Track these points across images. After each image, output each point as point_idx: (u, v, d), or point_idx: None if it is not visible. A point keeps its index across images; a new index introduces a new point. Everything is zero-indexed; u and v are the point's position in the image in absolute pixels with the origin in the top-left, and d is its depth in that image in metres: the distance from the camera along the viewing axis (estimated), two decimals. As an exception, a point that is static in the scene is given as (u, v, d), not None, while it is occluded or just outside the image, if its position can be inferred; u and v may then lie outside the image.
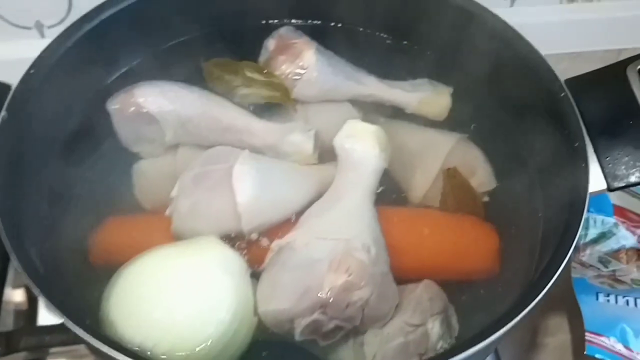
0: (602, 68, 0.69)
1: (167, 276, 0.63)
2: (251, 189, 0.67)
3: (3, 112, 0.64)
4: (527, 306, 0.55)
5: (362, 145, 0.72)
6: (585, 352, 0.75)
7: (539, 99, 0.70)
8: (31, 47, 0.98)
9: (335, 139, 0.73)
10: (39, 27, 1.00)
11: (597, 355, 0.74)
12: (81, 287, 0.67)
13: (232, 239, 0.68)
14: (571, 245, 0.57)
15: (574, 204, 0.60)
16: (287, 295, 0.62)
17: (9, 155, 0.63)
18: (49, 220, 0.70)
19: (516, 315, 0.55)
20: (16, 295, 0.85)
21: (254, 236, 0.68)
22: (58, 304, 0.58)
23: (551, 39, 1.08)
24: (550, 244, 0.62)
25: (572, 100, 0.66)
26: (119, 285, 0.64)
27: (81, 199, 0.73)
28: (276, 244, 0.66)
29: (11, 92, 0.66)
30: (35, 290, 0.58)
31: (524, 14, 1.09)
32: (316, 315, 0.61)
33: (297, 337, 0.62)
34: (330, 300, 0.60)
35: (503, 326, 0.54)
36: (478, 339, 0.54)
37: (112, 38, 0.76)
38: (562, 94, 0.66)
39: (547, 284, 0.55)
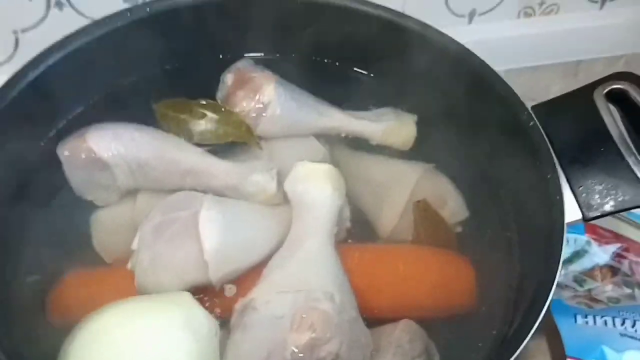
0: (569, 93, 0.68)
1: (127, 336, 0.59)
2: (218, 235, 0.64)
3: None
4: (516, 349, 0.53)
5: (314, 187, 0.69)
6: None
7: (508, 127, 0.69)
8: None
9: (285, 183, 0.70)
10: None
11: (580, 380, 0.73)
12: (38, 347, 0.63)
13: (199, 291, 0.64)
14: (552, 283, 0.55)
15: (551, 236, 0.59)
16: None
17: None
18: (2, 274, 0.66)
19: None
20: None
21: (221, 286, 0.65)
22: None
23: (510, 54, 1.09)
24: (530, 275, 0.60)
25: (541, 129, 0.64)
26: (74, 345, 0.59)
27: (37, 253, 0.69)
28: (240, 302, 0.62)
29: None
30: None
31: (482, 31, 1.09)
32: None
33: None
34: None
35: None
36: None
37: (60, 82, 0.71)
38: (531, 123, 0.65)
39: (532, 326, 0.54)
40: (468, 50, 0.74)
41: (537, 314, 0.54)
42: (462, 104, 0.75)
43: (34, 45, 0.91)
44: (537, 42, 1.13)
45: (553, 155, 0.63)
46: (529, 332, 0.54)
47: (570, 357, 0.75)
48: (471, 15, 1.10)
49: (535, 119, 0.65)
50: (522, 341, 0.54)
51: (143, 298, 0.64)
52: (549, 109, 0.67)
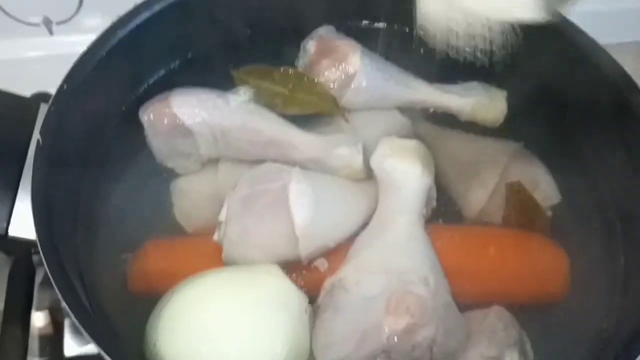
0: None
1: (220, 306, 0.58)
2: (309, 210, 0.62)
3: (38, 137, 0.58)
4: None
5: (402, 165, 0.66)
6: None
7: (612, 108, 0.65)
8: (39, 46, 0.94)
9: (372, 160, 0.67)
10: (48, 24, 0.93)
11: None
12: (119, 316, 0.62)
13: (288, 266, 0.63)
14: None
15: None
16: (344, 343, 0.57)
17: (45, 183, 0.58)
18: (86, 245, 0.64)
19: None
20: (39, 320, 0.80)
21: (311, 262, 0.63)
22: (98, 337, 0.53)
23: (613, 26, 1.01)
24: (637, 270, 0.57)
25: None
26: (167, 311, 0.58)
27: (118, 221, 0.67)
28: (329, 281, 0.61)
29: (45, 112, 0.59)
30: (76, 322, 0.53)
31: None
32: None
33: None
34: (394, 345, 0.56)
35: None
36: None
37: (142, 45, 0.69)
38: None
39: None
40: (569, 20, 0.70)
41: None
42: (559, 81, 0.71)
43: (97, 4, 0.91)
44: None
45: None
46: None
47: None
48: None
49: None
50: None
51: (232, 269, 0.62)
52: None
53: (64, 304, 0.53)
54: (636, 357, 0.53)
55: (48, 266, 0.54)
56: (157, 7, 0.68)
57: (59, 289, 0.54)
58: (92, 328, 0.53)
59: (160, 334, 0.58)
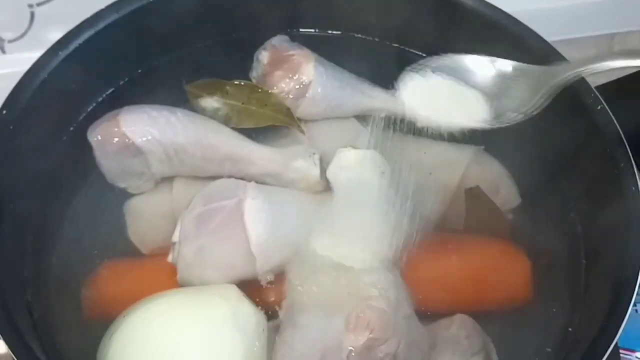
0: (629, 75, 0.64)
1: (170, 331, 0.56)
2: (265, 226, 0.61)
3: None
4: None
5: (359, 176, 0.66)
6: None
7: (568, 108, 0.64)
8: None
9: (328, 172, 0.67)
10: (0, 43, 0.91)
11: (633, 372, 0.71)
12: (75, 345, 0.61)
13: (247, 284, 0.61)
14: (634, 285, 0.52)
15: (628, 231, 0.55)
16: None
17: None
18: (36, 275, 0.62)
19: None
20: None
21: (267, 279, 0.62)
22: None
23: (545, 26, 1.04)
24: (602, 272, 0.57)
25: (610, 114, 0.60)
26: (115, 339, 0.57)
27: (70, 246, 0.65)
28: (290, 297, 0.60)
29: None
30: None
31: (520, 3, 1.04)
32: None
33: None
34: None
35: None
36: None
37: (88, 62, 0.68)
38: (599, 107, 0.61)
39: (615, 334, 0.50)
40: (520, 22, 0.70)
41: (619, 319, 0.51)
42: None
43: (50, 20, 0.89)
44: (572, 13, 1.08)
45: (625, 142, 0.59)
46: (612, 340, 0.51)
47: (623, 349, 0.72)
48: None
49: (603, 102, 0.61)
50: (605, 351, 0.50)
51: (186, 290, 0.61)
52: (615, 89, 0.62)
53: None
54: (601, 358, 0.53)
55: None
56: (100, 25, 0.66)
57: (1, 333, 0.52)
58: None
59: (110, 355, 0.56)
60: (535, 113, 0.61)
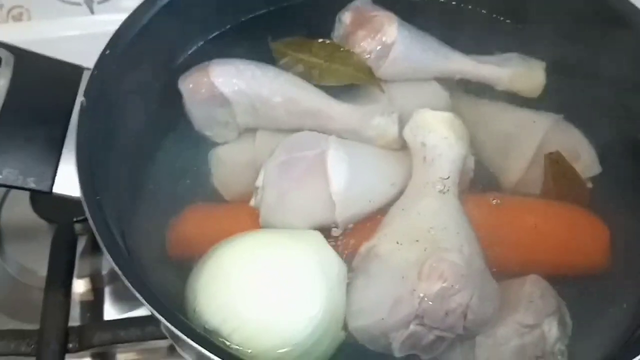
0: None
1: (259, 266, 0.58)
2: (346, 176, 0.62)
3: (82, 98, 0.59)
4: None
5: (435, 136, 0.66)
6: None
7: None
8: (81, 25, 0.96)
9: (404, 131, 0.67)
10: (89, 3, 0.95)
11: None
12: (159, 279, 0.63)
13: (325, 233, 0.63)
14: None
15: None
16: (376, 308, 0.57)
17: (89, 143, 0.59)
18: (128, 208, 0.65)
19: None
20: (80, 286, 0.82)
21: (347, 229, 0.64)
22: (149, 298, 0.53)
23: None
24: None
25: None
26: (206, 270, 0.59)
27: (158, 186, 0.68)
28: (363, 247, 0.61)
29: (88, 76, 0.61)
30: (127, 284, 0.53)
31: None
32: (413, 328, 0.56)
33: (396, 353, 0.57)
34: (427, 310, 0.55)
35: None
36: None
37: (183, 15, 0.70)
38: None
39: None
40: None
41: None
42: (600, 51, 0.70)
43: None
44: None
45: None
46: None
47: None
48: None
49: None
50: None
51: (273, 231, 0.62)
52: None
53: (109, 260, 0.54)
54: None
55: (93, 222, 0.55)
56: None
57: (104, 244, 0.54)
58: (140, 286, 0.53)
59: (199, 293, 0.58)
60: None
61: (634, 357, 0.49)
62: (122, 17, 0.67)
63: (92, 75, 0.61)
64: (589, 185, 0.68)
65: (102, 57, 0.62)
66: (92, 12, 0.98)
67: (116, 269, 0.52)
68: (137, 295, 0.51)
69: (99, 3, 0.97)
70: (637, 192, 0.67)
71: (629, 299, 0.62)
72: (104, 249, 0.53)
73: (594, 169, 0.68)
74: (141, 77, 0.67)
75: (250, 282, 0.56)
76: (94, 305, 0.81)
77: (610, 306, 0.62)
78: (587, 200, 0.67)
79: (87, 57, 0.66)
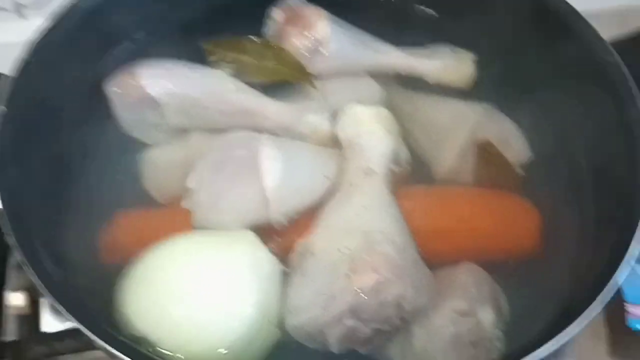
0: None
1: (190, 268, 0.57)
2: (279, 173, 0.62)
3: (2, 107, 0.57)
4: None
5: (365, 131, 0.67)
6: (626, 324, 0.72)
7: (580, 63, 0.65)
8: (10, 30, 0.93)
9: (336, 127, 0.68)
10: (17, 8, 0.92)
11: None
12: (91, 287, 0.62)
13: (260, 231, 0.62)
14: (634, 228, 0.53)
15: (636, 179, 0.56)
16: (311, 305, 0.57)
17: (10, 152, 0.57)
18: (53, 217, 0.64)
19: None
20: (16, 299, 0.79)
21: (280, 225, 0.63)
22: (72, 310, 0.53)
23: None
24: (609, 220, 0.58)
25: (622, 65, 0.61)
26: (135, 273, 0.58)
27: (87, 193, 0.67)
28: (300, 245, 0.61)
29: (8, 83, 0.59)
30: (47, 296, 0.53)
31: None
32: (349, 322, 0.56)
33: (335, 349, 0.57)
34: (361, 303, 0.55)
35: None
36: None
37: (107, 17, 0.69)
38: (610, 59, 0.61)
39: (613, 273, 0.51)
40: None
41: (617, 262, 0.52)
42: (527, 41, 0.71)
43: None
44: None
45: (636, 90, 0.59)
46: (610, 278, 0.52)
47: (629, 303, 0.72)
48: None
49: (615, 53, 0.62)
50: (603, 287, 0.51)
51: (204, 233, 0.62)
52: (629, 45, 0.63)
53: (30, 275, 0.53)
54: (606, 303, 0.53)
55: (15, 235, 0.54)
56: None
57: (25, 258, 0.54)
58: (62, 298, 0.53)
59: (127, 298, 0.57)
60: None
61: (560, 331, 0.50)
62: None
63: (11, 82, 0.59)
64: (520, 171, 0.69)
65: (21, 64, 0.60)
66: (21, 16, 0.95)
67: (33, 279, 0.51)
68: (55, 303, 0.50)
69: (27, 8, 0.94)
70: (565, 174, 0.69)
71: (562, 281, 0.63)
72: (26, 266, 0.52)
73: (525, 156, 0.70)
74: (64, 81, 0.66)
75: (179, 286, 0.56)
76: (30, 318, 0.78)
77: (544, 288, 0.63)
78: (518, 186, 0.68)
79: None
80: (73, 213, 0.66)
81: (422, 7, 0.78)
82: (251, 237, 0.60)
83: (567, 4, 0.67)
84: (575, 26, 0.66)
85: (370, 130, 0.66)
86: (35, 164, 0.62)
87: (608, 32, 0.65)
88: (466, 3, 0.74)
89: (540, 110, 0.70)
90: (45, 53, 0.64)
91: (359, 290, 0.55)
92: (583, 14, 0.66)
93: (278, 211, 0.62)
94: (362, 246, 0.58)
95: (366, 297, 0.55)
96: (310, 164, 0.66)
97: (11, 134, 0.58)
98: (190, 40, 0.74)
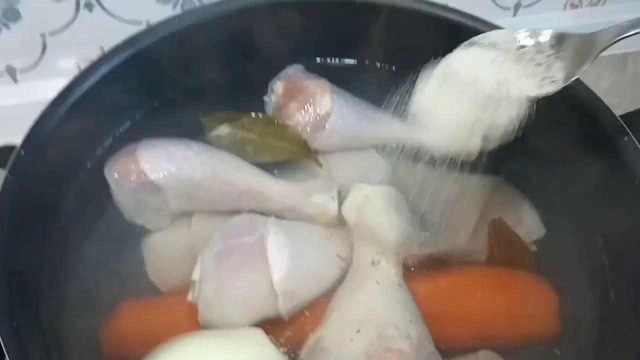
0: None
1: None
2: (287, 262, 0.60)
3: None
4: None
5: (374, 214, 0.65)
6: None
7: (591, 136, 0.64)
8: (4, 95, 0.91)
9: (343, 209, 0.66)
10: (11, 72, 0.90)
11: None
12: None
13: (269, 323, 0.60)
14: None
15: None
16: None
17: (5, 247, 0.55)
18: (53, 313, 0.61)
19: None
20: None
21: (289, 317, 0.61)
22: None
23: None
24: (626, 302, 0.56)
25: (637, 143, 0.60)
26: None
27: (87, 284, 0.64)
28: (311, 338, 0.59)
29: (3, 176, 0.57)
30: None
31: (527, 23, 1.03)
32: None
33: None
34: None
35: None
36: None
37: (105, 98, 0.67)
38: (625, 138, 0.60)
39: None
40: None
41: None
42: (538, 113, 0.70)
43: (62, 49, 0.88)
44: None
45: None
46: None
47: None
48: (517, 8, 1.05)
49: (629, 131, 0.60)
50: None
51: (211, 334, 0.59)
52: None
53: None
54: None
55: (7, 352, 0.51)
56: (116, 61, 0.66)
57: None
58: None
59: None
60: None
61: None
62: (48, 84, 0.63)
63: (6, 179, 0.56)
64: (534, 248, 0.68)
65: (17, 158, 0.58)
66: (15, 81, 0.93)
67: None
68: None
69: (21, 72, 0.93)
70: (581, 252, 0.67)
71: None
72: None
73: (538, 232, 0.68)
74: (62, 169, 0.64)
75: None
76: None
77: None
78: (533, 265, 0.66)
79: (13, 129, 0.62)
80: (75, 305, 0.63)
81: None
82: (259, 336, 0.57)
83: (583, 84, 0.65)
84: (589, 104, 0.64)
85: (379, 212, 0.64)
86: (31, 256, 0.59)
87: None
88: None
89: (553, 185, 0.69)
90: (39, 141, 0.61)
91: (375, 391, 0.53)
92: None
93: (287, 305, 0.60)
94: (377, 343, 0.55)
95: (384, 400, 0.53)
96: (319, 248, 0.64)
97: (6, 226, 0.56)
98: (192, 116, 0.72)
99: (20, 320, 0.54)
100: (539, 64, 0.60)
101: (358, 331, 0.57)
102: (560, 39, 0.60)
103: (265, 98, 0.74)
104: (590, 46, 0.58)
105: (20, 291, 0.57)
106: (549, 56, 0.60)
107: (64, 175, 0.65)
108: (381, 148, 0.73)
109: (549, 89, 0.58)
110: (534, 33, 0.61)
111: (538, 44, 0.61)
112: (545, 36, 0.61)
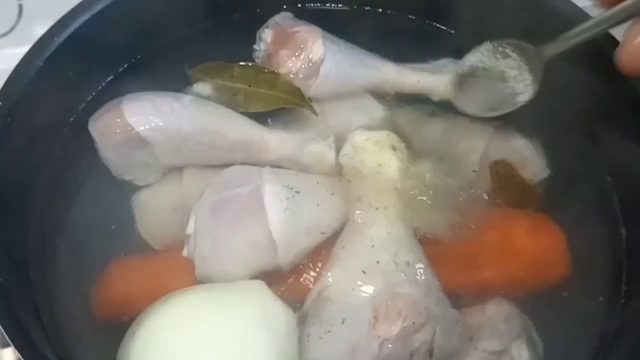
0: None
1: (199, 329, 0.52)
2: (286, 212, 0.57)
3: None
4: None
5: (374, 158, 0.62)
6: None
7: (588, 65, 0.61)
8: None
9: (340, 156, 0.64)
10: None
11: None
12: (88, 348, 0.57)
13: (270, 275, 0.57)
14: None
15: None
16: (335, 359, 0.52)
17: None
18: (43, 277, 0.59)
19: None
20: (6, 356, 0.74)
21: (290, 269, 0.58)
22: None
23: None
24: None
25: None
26: (139, 337, 0.53)
27: (76, 243, 0.62)
28: (315, 289, 0.56)
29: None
30: None
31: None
32: None
33: None
34: (389, 354, 0.51)
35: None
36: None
37: (86, 49, 0.64)
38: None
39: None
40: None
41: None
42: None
43: (37, 15, 0.84)
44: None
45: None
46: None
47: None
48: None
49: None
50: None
51: (211, 287, 0.56)
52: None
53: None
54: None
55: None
56: (96, 8, 0.62)
57: (10, 339, 0.48)
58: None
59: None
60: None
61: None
62: (24, 50, 0.60)
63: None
64: (539, 189, 0.65)
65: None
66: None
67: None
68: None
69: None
70: (589, 191, 0.65)
71: (594, 305, 0.59)
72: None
73: (542, 172, 0.65)
74: (45, 124, 0.61)
75: (188, 351, 0.50)
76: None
77: (576, 315, 0.59)
78: (538, 206, 0.64)
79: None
80: (64, 267, 0.61)
81: (426, 21, 0.74)
82: (261, 287, 0.55)
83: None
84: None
85: (380, 158, 0.62)
86: (16, 218, 0.56)
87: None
88: (469, 15, 0.70)
89: (556, 122, 0.66)
90: (20, 91, 0.58)
91: (385, 340, 0.51)
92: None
93: (288, 255, 0.57)
94: (383, 289, 0.53)
95: (394, 347, 0.51)
96: (318, 198, 0.61)
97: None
98: (178, 68, 0.69)
99: (7, 278, 0.52)
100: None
101: (363, 279, 0.55)
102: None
103: (255, 46, 0.70)
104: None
105: (8, 250, 0.54)
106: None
107: (46, 131, 0.62)
108: (377, 93, 0.70)
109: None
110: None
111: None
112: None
